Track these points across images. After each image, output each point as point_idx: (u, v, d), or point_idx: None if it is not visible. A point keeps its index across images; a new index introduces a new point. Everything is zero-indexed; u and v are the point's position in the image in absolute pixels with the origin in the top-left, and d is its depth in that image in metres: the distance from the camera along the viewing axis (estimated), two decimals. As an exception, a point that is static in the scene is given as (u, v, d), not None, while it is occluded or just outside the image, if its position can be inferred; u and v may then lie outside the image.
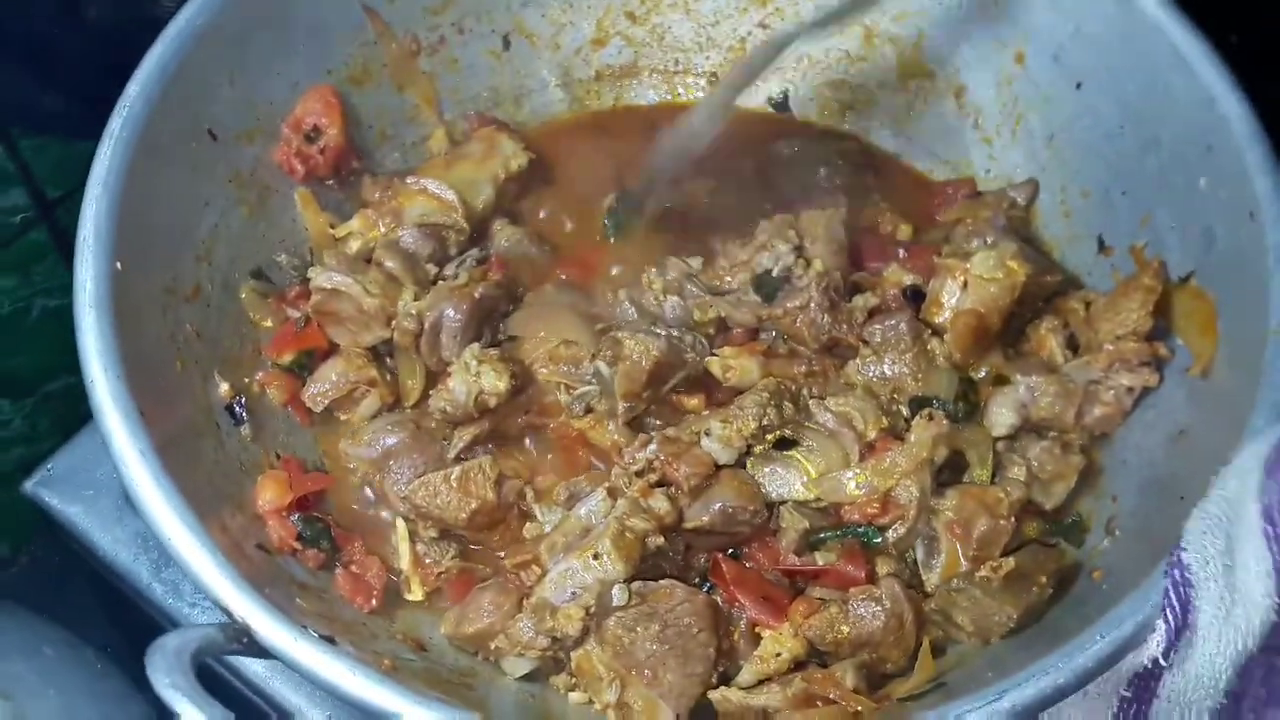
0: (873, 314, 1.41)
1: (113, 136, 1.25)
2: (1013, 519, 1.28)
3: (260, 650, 1.05)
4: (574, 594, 1.23)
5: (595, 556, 1.23)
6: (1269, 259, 1.21)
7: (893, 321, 1.38)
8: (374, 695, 1.05)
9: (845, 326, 1.40)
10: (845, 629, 1.23)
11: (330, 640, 1.09)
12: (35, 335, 1.55)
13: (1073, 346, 1.41)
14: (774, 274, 1.44)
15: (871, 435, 1.32)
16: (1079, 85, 1.47)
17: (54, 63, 1.44)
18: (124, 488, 1.13)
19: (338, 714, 1.38)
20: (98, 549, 1.49)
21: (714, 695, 1.22)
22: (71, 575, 1.59)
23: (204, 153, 1.37)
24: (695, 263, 1.48)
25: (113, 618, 1.61)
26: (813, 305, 1.39)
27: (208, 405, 1.30)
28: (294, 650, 1.05)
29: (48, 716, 1.40)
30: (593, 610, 1.22)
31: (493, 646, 1.27)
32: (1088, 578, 1.23)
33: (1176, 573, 1.03)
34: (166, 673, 0.93)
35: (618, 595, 1.22)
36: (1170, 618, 1.02)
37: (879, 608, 1.23)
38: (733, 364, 1.38)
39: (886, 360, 1.38)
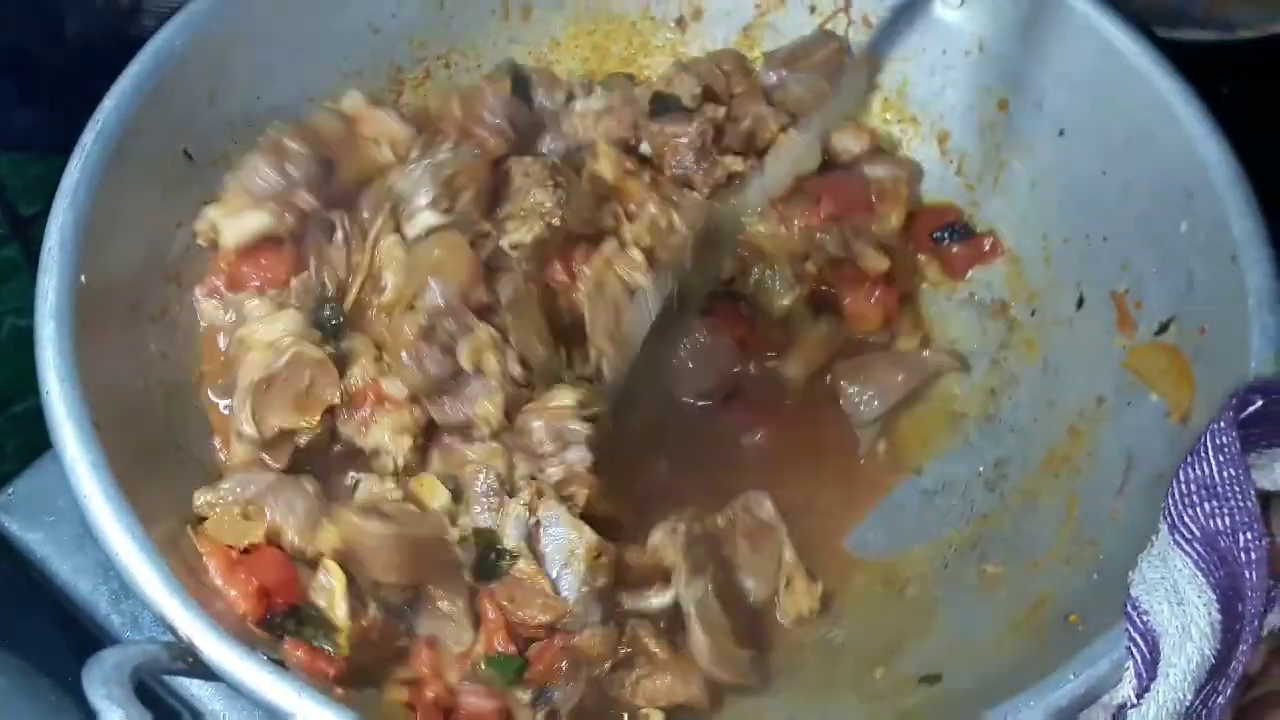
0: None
1: (84, 150, 1.24)
2: None
3: (205, 671, 1.02)
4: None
5: None
6: (1249, 301, 1.20)
7: None
8: (324, 723, 1.01)
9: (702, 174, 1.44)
10: None
11: (281, 664, 1.06)
12: (3, 355, 1.53)
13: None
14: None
15: None
16: (1061, 132, 1.46)
17: (32, 79, 1.43)
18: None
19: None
20: (57, 577, 1.44)
21: None
22: (31, 603, 1.55)
23: (178, 173, 1.35)
24: None
25: (73, 648, 1.56)
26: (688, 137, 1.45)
27: (168, 424, 1.27)
28: (241, 673, 1.01)
29: (-5, 749, 1.36)
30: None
31: None
32: (1064, 622, 1.20)
33: (1129, 607, 1.02)
34: (103, 684, 0.90)
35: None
36: (1136, 652, 1.01)
37: None
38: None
39: None
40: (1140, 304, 1.35)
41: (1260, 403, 1.03)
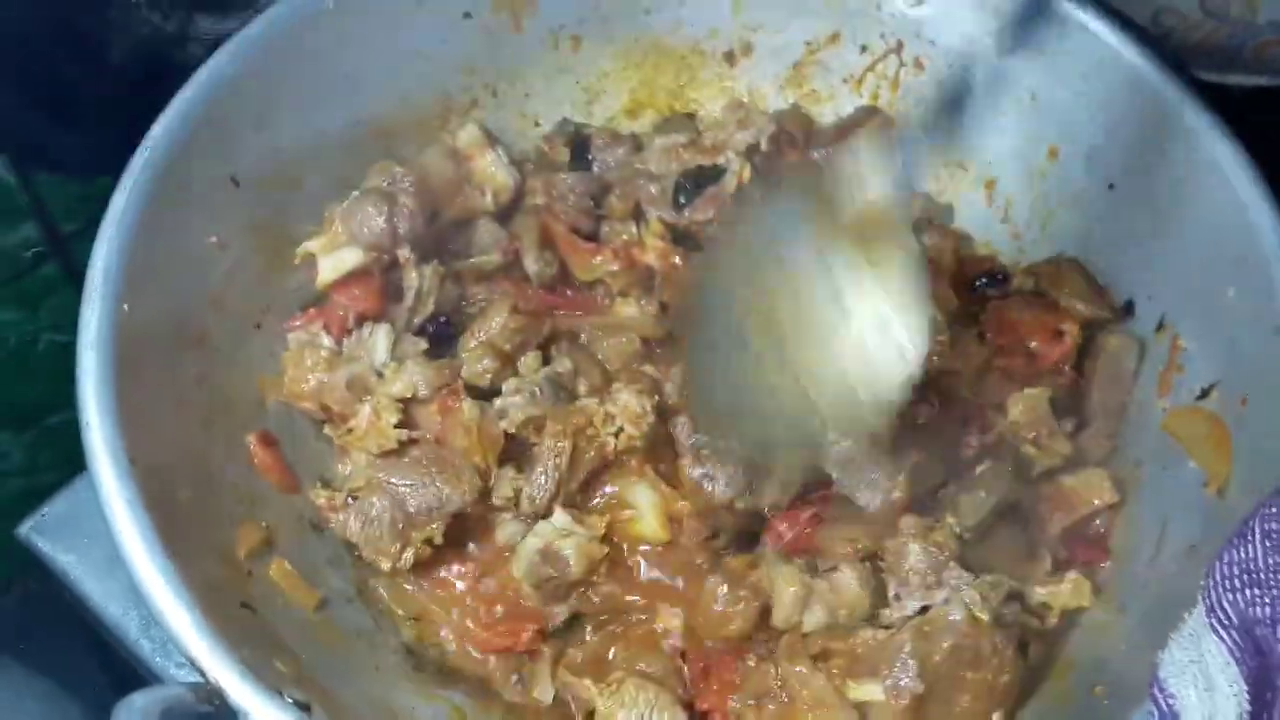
0: None
1: (133, 176, 1.25)
2: None
3: (231, 714, 1.03)
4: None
5: None
6: (1294, 374, 1.19)
7: None
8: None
9: None
10: None
11: (306, 708, 1.07)
12: (40, 369, 1.55)
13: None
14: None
15: None
16: (1111, 186, 1.45)
17: (76, 106, 1.44)
18: (113, 537, 1.11)
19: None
20: (89, 600, 1.46)
21: None
22: (64, 625, 1.57)
23: (224, 198, 1.36)
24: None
25: (106, 671, 1.58)
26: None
27: (204, 453, 1.28)
28: (266, 717, 1.03)
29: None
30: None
31: None
32: (1089, 693, 1.19)
33: (1155, 688, 1.01)
34: (131, 733, 0.91)
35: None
36: None
37: None
38: None
39: None
40: (1183, 368, 1.33)
41: None
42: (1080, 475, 1.37)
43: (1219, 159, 1.31)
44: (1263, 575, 0.99)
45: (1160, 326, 1.37)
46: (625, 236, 1.52)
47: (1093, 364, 1.43)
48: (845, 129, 1.58)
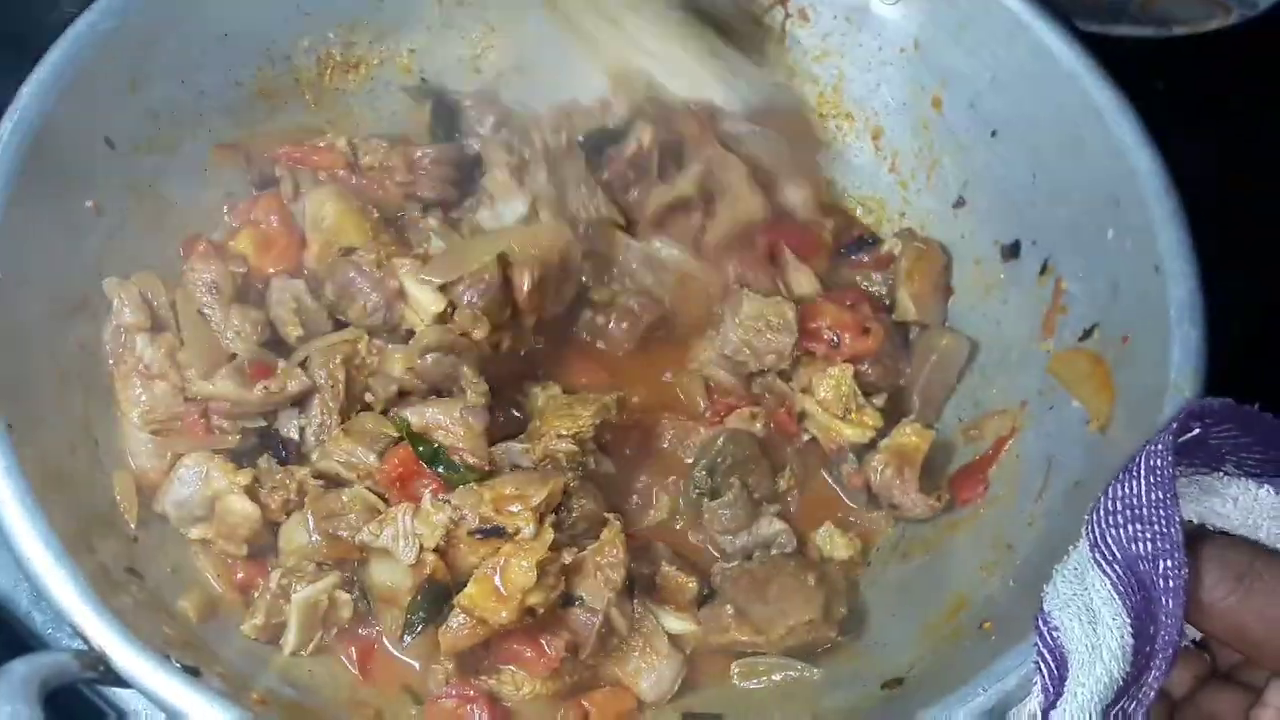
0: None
1: (2, 141, 1.22)
2: None
3: (117, 679, 1.01)
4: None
5: None
6: (1171, 313, 1.21)
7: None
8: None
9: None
10: None
11: (195, 672, 1.05)
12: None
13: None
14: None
15: None
16: (994, 133, 1.46)
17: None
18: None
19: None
20: (-22, 573, 1.43)
21: None
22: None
23: (100, 160, 1.33)
24: None
25: (7, 649, 1.54)
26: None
27: (85, 421, 1.26)
28: (152, 681, 1.01)
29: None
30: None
31: None
32: (978, 628, 1.21)
33: (1040, 621, 1.02)
34: (8, 700, 0.89)
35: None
36: (1044, 669, 1.01)
37: None
38: None
39: None
40: (1066, 309, 1.36)
41: (1197, 430, 1.03)
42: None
43: (1099, 104, 1.33)
44: (1145, 511, 0.99)
45: (1044, 269, 1.39)
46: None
47: (921, 361, 1.49)
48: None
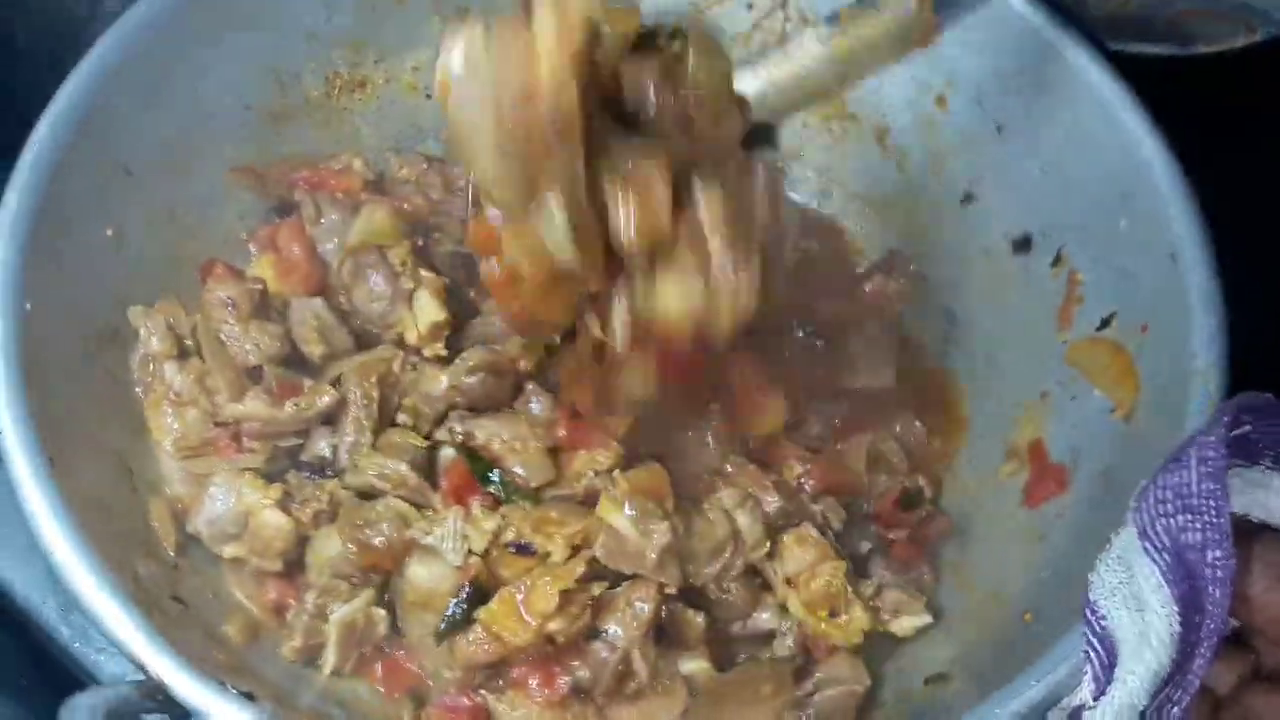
0: None
1: (21, 177, 1.22)
2: None
3: (176, 708, 1.01)
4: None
5: None
6: (1190, 298, 1.23)
7: None
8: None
9: None
10: None
11: (250, 697, 1.06)
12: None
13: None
14: None
15: None
16: (1000, 129, 1.48)
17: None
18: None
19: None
20: (7, 587, 1.43)
21: None
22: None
23: (119, 187, 1.33)
24: None
25: (35, 661, 1.54)
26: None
27: (122, 449, 1.26)
28: (213, 708, 1.01)
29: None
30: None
31: None
32: (1019, 619, 1.23)
33: (1087, 610, 1.04)
34: (78, 734, 0.90)
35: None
36: (1095, 658, 1.02)
37: None
38: None
39: None
40: (1082, 299, 1.37)
41: (1249, 427, 1.04)
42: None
43: (1107, 98, 1.35)
44: (1196, 501, 1.00)
45: (1057, 260, 1.41)
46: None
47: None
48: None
